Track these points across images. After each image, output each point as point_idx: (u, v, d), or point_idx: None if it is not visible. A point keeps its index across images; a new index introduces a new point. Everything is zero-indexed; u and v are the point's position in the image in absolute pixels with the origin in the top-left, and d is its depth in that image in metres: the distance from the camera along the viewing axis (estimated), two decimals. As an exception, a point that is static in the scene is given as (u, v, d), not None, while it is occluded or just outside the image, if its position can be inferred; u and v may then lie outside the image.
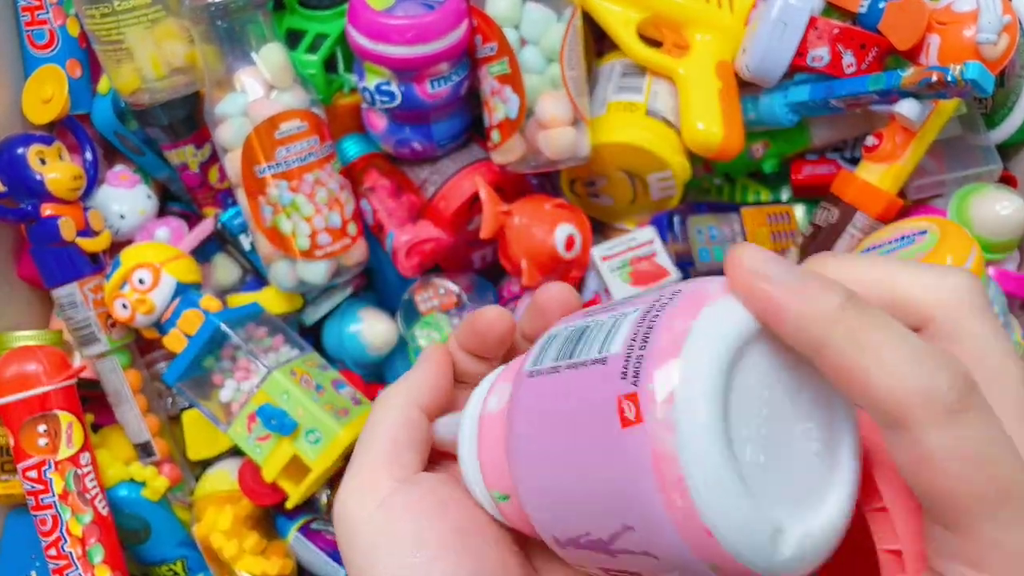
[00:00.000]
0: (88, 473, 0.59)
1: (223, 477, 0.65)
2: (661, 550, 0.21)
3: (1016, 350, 0.62)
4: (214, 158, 0.65)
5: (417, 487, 0.30)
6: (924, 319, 0.23)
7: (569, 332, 0.26)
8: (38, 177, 0.60)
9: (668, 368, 0.21)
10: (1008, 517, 0.20)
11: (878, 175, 0.61)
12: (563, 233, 0.62)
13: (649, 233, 0.64)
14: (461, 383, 0.35)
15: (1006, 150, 0.66)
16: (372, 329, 0.65)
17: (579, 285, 0.66)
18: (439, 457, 0.34)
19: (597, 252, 0.64)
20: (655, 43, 0.63)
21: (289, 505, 0.59)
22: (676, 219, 0.65)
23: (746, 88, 0.63)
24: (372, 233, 0.64)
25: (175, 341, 0.61)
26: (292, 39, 0.65)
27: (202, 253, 0.67)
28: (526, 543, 0.31)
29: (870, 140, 0.61)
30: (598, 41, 0.68)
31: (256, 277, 0.68)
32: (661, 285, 0.62)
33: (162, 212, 0.70)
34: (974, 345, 0.23)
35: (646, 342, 0.22)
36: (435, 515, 0.29)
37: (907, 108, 0.58)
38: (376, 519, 0.29)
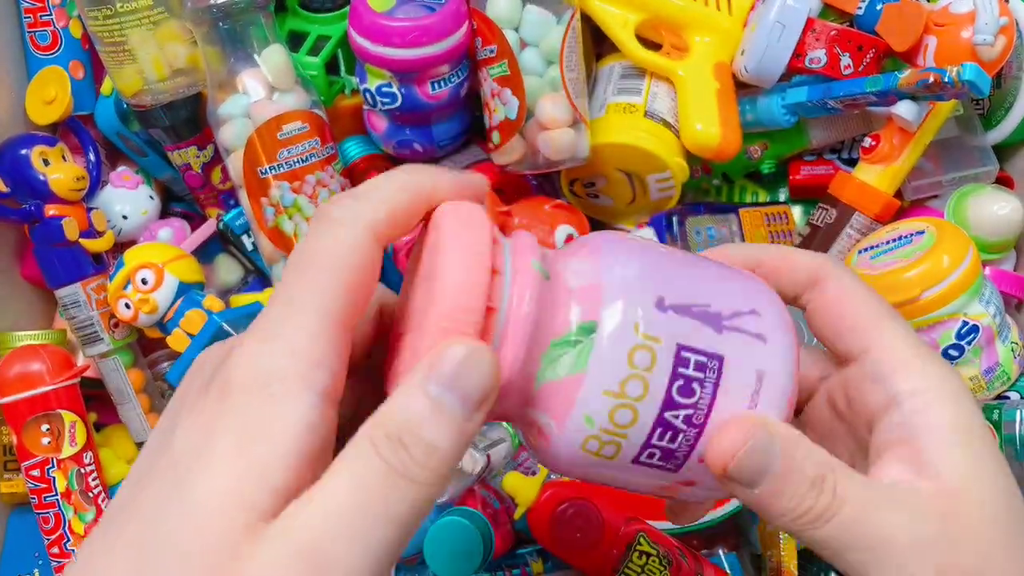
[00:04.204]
0: (91, 472, 0.59)
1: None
2: (779, 338, 0.25)
3: (1014, 350, 0.62)
4: (217, 159, 0.65)
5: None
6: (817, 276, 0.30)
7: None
8: (41, 178, 0.61)
9: None
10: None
11: (875, 176, 0.61)
12: (563, 234, 0.63)
13: (648, 233, 0.64)
14: None
15: (1003, 151, 0.66)
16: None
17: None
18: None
19: (597, 252, 0.64)
20: (654, 45, 0.64)
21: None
22: (675, 219, 0.65)
23: (744, 89, 0.63)
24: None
25: (178, 341, 0.61)
26: (294, 41, 0.65)
27: (205, 253, 0.67)
28: None
29: (867, 141, 0.62)
30: (597, 43, 0.68)
31: (258, 277, 0.68)
32: None
33: (165, 213, 0.70)
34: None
35: None
36: None
37: (904, 109, 0.58)
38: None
